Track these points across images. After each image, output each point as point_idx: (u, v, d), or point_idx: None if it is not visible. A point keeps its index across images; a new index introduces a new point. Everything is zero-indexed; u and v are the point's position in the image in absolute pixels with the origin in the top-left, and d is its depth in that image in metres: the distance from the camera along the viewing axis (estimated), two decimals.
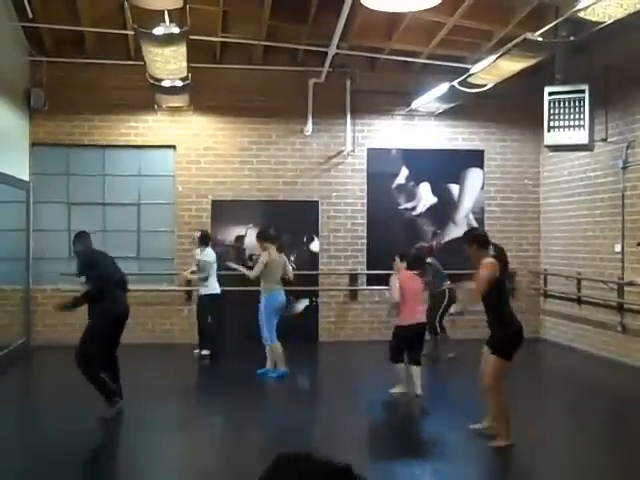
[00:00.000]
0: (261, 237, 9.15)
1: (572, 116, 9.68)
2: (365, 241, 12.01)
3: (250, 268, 9.37)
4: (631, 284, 9.09)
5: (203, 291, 10.22)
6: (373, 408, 7.84)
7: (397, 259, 8.17)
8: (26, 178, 11.17)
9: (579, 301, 11.18)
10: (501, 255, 6.28)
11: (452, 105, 11.18)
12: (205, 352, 10.18)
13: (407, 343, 7.94)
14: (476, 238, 6.29)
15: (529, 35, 7.73)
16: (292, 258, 11.89)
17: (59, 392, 8.27)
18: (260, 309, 8.96)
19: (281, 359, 8.89)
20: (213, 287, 10.19)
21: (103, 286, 6.94)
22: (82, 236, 7.39)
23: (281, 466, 1.54)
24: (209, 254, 10.18)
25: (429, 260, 9.94)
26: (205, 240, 10.27)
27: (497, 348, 5.99)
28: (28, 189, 11.22)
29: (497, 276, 5.95)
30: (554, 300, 12.01)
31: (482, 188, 12.35)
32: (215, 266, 10.19)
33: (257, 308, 9.07)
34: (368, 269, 11.94)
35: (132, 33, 9.12)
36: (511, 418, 6.02)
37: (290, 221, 11.75)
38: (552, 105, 9.79)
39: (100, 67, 11.22)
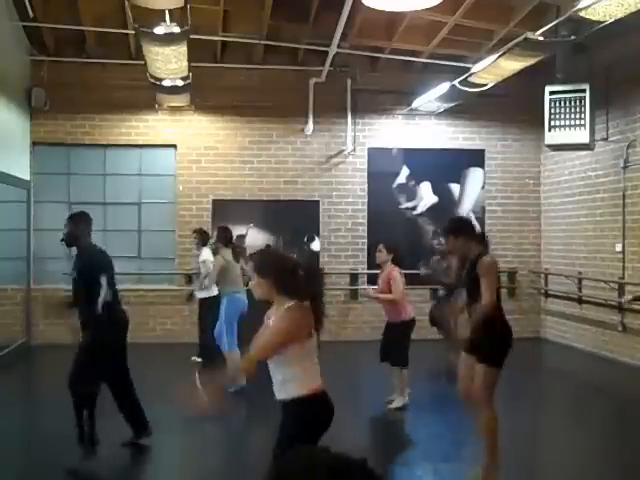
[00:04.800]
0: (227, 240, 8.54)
1: (573, 115, 9.69)
2: (366, 240, 12.01)
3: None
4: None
5: (202, 294, 9.71)
6: (374, 409, 7.83)
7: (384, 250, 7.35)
8: (27, 177, 11.18)
9: (580, 301, 11.17)
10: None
11: (453, 104, 11.18)
12: (197, 359, 9.72)
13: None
14: (463, 227, 5.24)
15: (530, 34, 7.73)
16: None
17: (59, 392, 8.24)
18: (220, 313, 8.39)
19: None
20: (213, 289, 9.50)
21: None
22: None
23: (299, 458, 1.56)
24: (210, 254, 9.65)
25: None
26: (205, 239, 9.84)
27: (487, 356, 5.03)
28: (29, 188, 11.23)
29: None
30: (555, 300, 12.00)
31: (483, 187, 12.35)
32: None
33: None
34: (369, 269, 11.92)
35: (133, 32, 9.13)
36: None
37: (291, 220, 11.78)
38: (553, 104, 9.81)
39: (101, 66, 11.23)
